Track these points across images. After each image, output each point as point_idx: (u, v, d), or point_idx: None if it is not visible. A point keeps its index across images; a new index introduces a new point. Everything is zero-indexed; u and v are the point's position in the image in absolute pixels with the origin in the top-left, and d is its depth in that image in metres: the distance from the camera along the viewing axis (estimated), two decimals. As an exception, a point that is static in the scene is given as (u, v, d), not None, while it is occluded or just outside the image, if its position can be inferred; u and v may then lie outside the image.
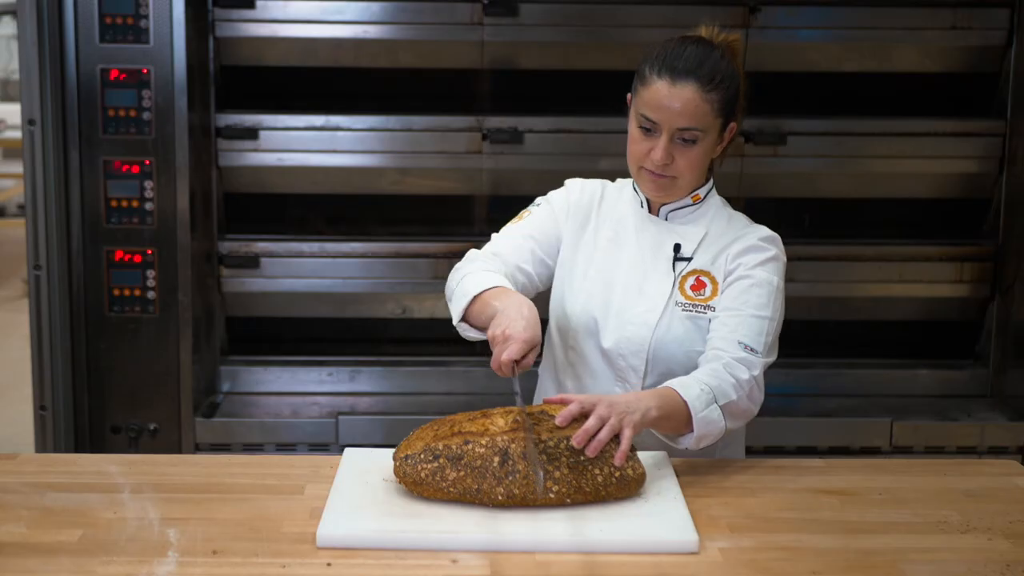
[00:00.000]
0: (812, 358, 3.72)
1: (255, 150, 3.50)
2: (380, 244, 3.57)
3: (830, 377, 3.67)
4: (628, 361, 2.12)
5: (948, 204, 3.78)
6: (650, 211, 2.18)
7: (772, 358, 2.07)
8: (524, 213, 2.26)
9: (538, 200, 2.27)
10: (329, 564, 1.62)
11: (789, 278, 3.53)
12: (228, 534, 1.71)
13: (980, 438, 3.46)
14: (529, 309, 1.94)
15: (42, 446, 3.26)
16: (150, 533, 1.71)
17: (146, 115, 3.22)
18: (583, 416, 1.81)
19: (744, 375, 1.99)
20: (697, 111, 2.02)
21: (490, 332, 1.93)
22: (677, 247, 2.14)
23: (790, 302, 3.58)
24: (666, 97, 2.01)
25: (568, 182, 2.29)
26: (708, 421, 1.93)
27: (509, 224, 2.25)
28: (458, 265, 2.18)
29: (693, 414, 1.91)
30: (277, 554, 1.65)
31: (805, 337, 3.79)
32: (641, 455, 1.85)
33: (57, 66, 3.16)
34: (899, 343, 3.84)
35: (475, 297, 2.03)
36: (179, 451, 3.34)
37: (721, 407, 1.94)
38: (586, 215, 2.22)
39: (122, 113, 3.22)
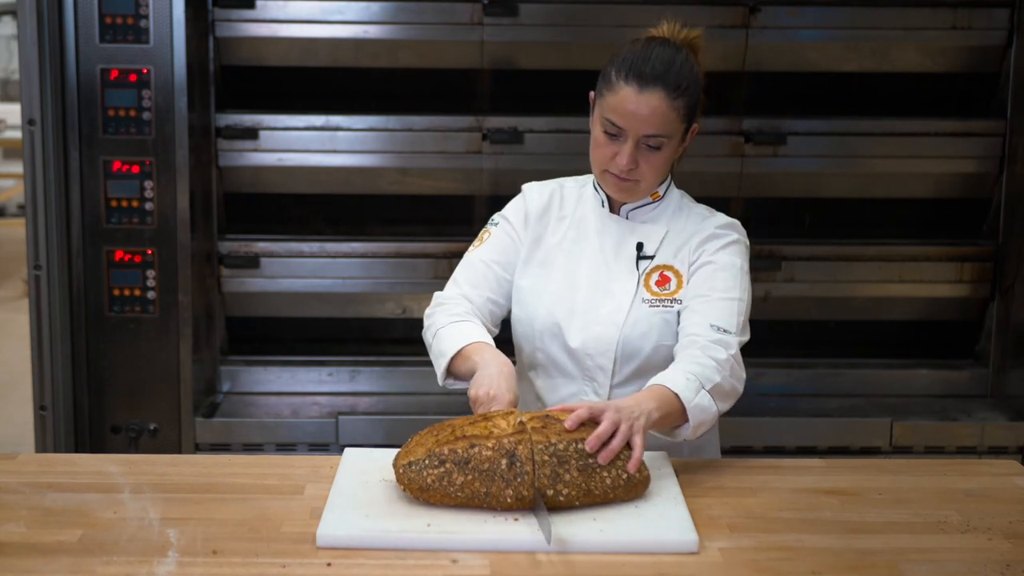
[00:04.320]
0: (812, 358, 3.72)
1: (255, 150, 3.50)
2: (380, 244, 3.57)
3: (830, 377, 3.67)
4: (595, 360, 2.13)
5: (948, 204, 3.78)
6: (611, 210, 2.19)
7: (746, 337, 2.09)
8: (484, 234, 2.26)
9: (495, 218, 2.27)
10: (329, 564, 1.62)
11: (789, 278, 3.59)
12: (228, 534, 1.71)
13: (980, 438, 3.46)
14: (508, 368, 2.00)
15: (42, 446, 3.26)
16: (150, 533, 1.71)
17: (146, 115, 3.22)
18: (592, 421, 1.81)
19: (722, 355, 2.00)
20: (664, 119, 2.02)
21: (472, 392, 1.98)
22: (640, 246, 2.15)
23: (791, 302, 3.62)
24: (633, 104, 2.02)
25: (525, 187, 2.29)
26: (701, 408, 1.94)
27: (471, 249, 2.26)
28: (428, 312, 2.22)
29: (685, 404, 1.92)
30: (277, 554, 1.65)
31: (805, 337, 3.80)
32: (645, 457, 1.85)
33: (57, 66, 3.16)
34: (899, 343, 3.84)
35: (453, 356, 2.08)
36: (179, 451, 3.34)
37: (709, 391, 1.96)
38: (544, 219, 2.23)
39: (122, 113, 3.22)
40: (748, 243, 2.18)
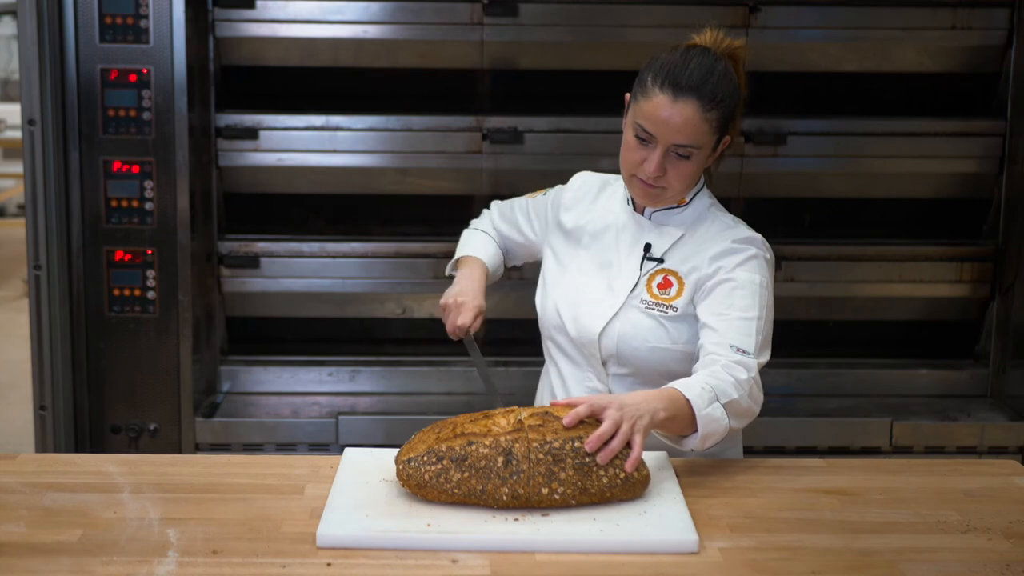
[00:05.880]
0: (812, 358, 3.72)
1: (255, 150, 3.50)
2: (380, 244, 3.57)
3: (830, 377, 3.67)
4: (588, 350, 2.18)
5: (948, 204, 3.78)
6: (635, 209, 2.20)
7: (766, 357, 2.07)
8: (538, 193, 2.41)
9: (551, 189, 2.38)
10: (329, 564, 1.62)
11: (789, 278, 3.59)
12: (228, 534, 1.71)
13: (980, 438, 3.46)
14: (479, 280, 2.30)
15: (42, 446, 3.26)
16: (150, 533, 1.71)
17: (146, 115, 3.22)
18: (593, 418, 1.81)
19: (742, 375, 1.98)
20: (695, 130, 2.02)
21: (442, 300, 2.26)
22: (647, 247, 2.16)
23: (791, 302, 3.62)
24: (665, 112, 2.01)
25: (576, 175, 2.36)
26: (712, 419, 1.92)
27: (524, 196, 2.43)
28: (475, 219, 2.52)
29: (696, 412, 1.90)
30: (277, 554, 1.65)
31: (805, 337, 3.80)
32: (643, 456, 1.85)
33: (57, 66, 3.16)
34: (899, 343, 3.84)
35: (459, 259, 2.42)
36: (179, 451, 3.34)
37: (723, 405, 1.93)
38: (574, 209, 2.29)
39: (122, 113, 3.22)
40: (771, 256, 2.15)
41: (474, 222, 2.51)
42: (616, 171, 2.27)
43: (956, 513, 1.84)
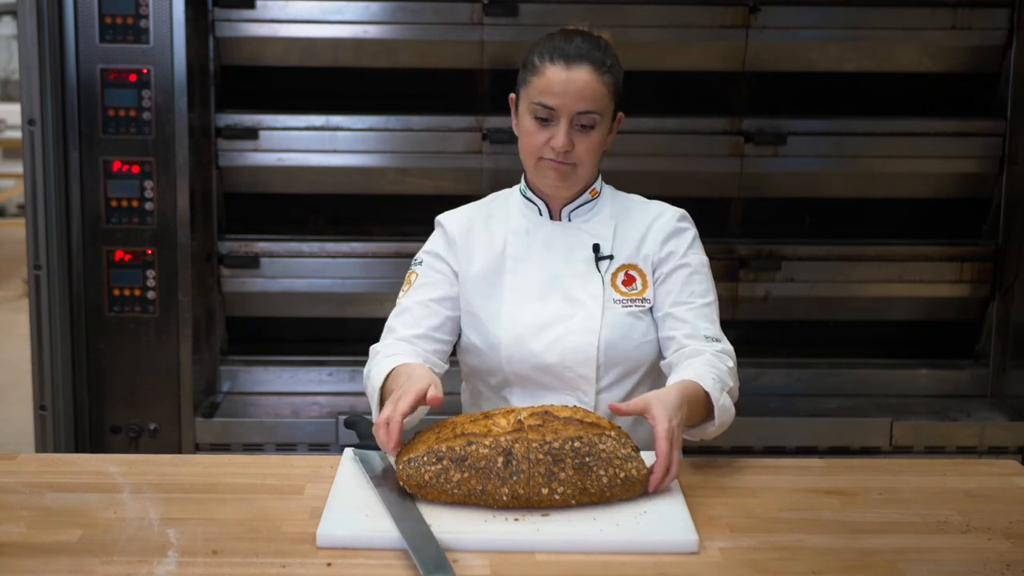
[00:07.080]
0: (812, 358, 3.72)
1: (255, 150, 3.50)
2: (380, 244, 3.57)
3: (830, 377, 3.67)
4: (577, 371, 2.10)
5: (948, 204, 3.78)
6: (551, 217, 2.18)
7: (728, 342, 2.13)
8: (410, 276, 2.22)
9: (418, 257, 2.22)
10: (329, 564, 1.62)
11: (789, 278, 3.60)
12: (228, 534, 1.71)
13: (980, 438, 3.46)
14: (421, 368, 1.94)
15: (42, 446, 3.26)
16: (150, 533, 1.71)
17: (146, 115, 3.22)
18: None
19: (730, 363, 2.06)
20: (595, 94, 2.04)
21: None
22: (596, 247, 2.14)
23: (791, 302, 3.63)
24: (563, 82, 2.02)
25: (439, 218, 2.25)
26: (725, 409, 1.97)
27: (400, 295, 2.21)
28: (367, 366, 2.12)
29: (714, 403, 1.95)
30: (277, 554, 1.65)
31: (805, 337, 3.80)
32: (642, 455, 1.85)
33: (57, 66, 3.16)
34: (899, 343, 3.84)
35: (381, 390, 1.98)
36: (179, 451, 3.34)
37: (727, 394, 1.99)
38: (471, 241, 2.18)
39: (122, 113, 3.22)
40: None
41: (371, 365, 2.09)
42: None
43: (956, 513, 1.84)
